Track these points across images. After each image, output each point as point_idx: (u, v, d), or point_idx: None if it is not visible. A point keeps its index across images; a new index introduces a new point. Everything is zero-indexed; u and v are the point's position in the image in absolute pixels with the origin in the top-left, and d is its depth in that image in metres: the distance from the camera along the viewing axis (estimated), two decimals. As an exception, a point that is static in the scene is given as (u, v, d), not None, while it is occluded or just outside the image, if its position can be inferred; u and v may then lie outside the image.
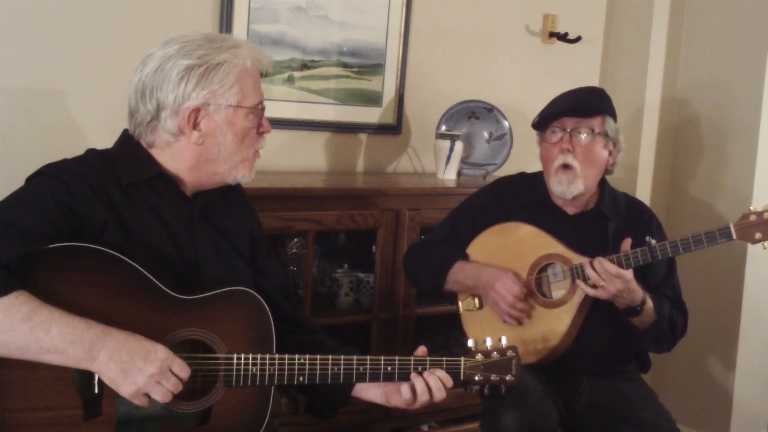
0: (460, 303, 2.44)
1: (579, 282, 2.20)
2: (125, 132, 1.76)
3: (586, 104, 2.32)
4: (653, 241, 2.17)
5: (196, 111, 1.67)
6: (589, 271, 2.16)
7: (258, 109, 1.74)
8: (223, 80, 1.67)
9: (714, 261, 3.37)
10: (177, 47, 1.67)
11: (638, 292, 2.17)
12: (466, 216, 2.49)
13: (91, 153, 1.74)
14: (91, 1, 2.54)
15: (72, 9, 2.50)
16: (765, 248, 2.13)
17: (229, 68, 1.68)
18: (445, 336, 3.08)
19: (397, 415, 2.88)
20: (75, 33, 2.52)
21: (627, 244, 2.18)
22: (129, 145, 1.73)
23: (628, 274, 2.14)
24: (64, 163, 1.67)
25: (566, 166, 2.28)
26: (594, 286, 2.17)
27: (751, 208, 2.13)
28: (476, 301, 2.40)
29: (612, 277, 2.13)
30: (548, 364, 2.28)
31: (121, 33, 2.57)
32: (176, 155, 1.71)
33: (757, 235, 2.10)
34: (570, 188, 2.28)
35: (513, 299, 2.25)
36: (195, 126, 1.68)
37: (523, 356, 2.21)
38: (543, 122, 2.34)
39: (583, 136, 2.28)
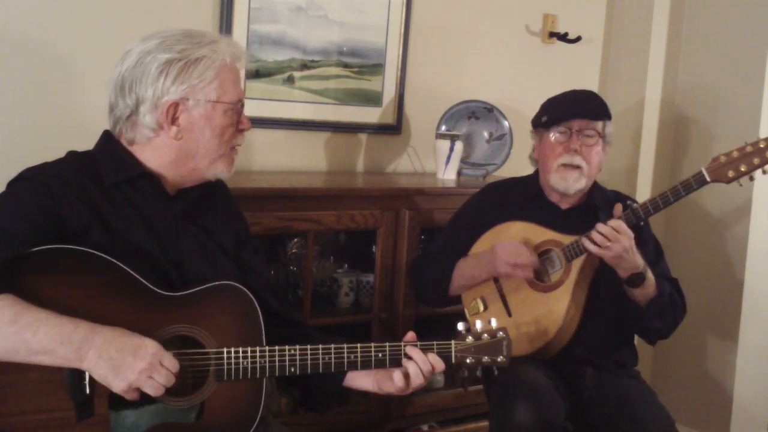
0: (465, 309, 2.47)
1: (584, 239, 2.21)
2: (105, 132, 1.76)
3: (595, 107, 2.39)
4: (635, 204, 2.25)
5: (175, 105, 1.67)
6: (594, 235, 2.19)
7: (237, 106, 1.74)
8: (202, 75, 1.67)
9: (714, 260, 3.37)
10: (156, 42, 1.67)
11: (639, 256, 2.21)
12: (465, 219, 2.55)
13: (72, 155, 1.74)
14: (90, 1, 2.54)
15: (71, 9, 2.51)
16: (741, 185, 2.19)
17: (209, 63, 1.68)
18: (445, 336, 3.07)
19: (398, 414, 2.88)
20: (74, 33, 2.52)
21: (618, 208, 2.23)
22: (110, 145, 1.73)
23: (629, 231, 2.18)
24: (45, 166, 1.67)
25: (574, 166, 2.34)
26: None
27: (721, 152, 2.18)
28: (480, 304, 2.42)
29: (616, 234, 2.16)
30: (555, 354, 2.31)
31: (120, 33, 2.57)
32: (156, 151, 1.71)
33: (731, 174, 2.15)
34: (574, 184, 2.35)
35: (514, 254, 2.28)
36: (173, 121, 1.68)
37: (532, 343, 2.28)
38: (553, 122, 2.37)
39: (590, 138, 2.35)
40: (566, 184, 2.35)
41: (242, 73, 1.85)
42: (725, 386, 3.34)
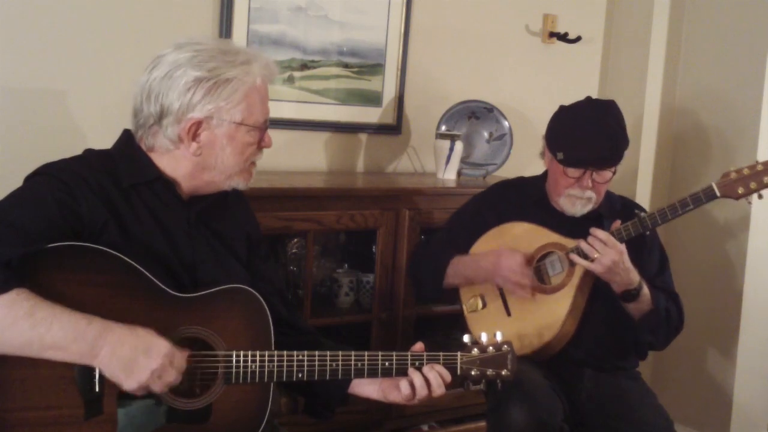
0: (464, 306, 2.47)
1: (573, 256, 2.23)
2: (126, 132, 1.76)
3: (615, 153, 2.31)
4: (642, 213, 2.25)
5: (198, 123, 1.66)
6: (583, 245, 2.21)
7: (262, 126, 1.73)
8: (230, 96, 1.66)
9: (714, 260, 3.37)
10: (189, 55, 1.65)
11: (634, 273, 2.21)
12: (464, 221, 2.54)
13: (90, 153, 1.73)
14: (91, 0, 2.54)
15: (72, 9, 2.51)
16: (750, 203, 2.21)
17: (238, 85, 1.66)
18: (445, 336, 3.08)
19: (397, 414, 2.88)
20: (75, 33, 2.52)
21: (617, 223, 2.25)
22: (129, 147, 1.73)
23: (620, 245, 2.18)
24: (63, 162, 1.66)
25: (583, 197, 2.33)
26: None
27: (731, 168, 2.20)
28: (479, 302, 2.42)
29: (605, 247, 2.17)
30: (552, 356, 2.31)
31: (121, 33, 2.58)
32: (174, 162, 1.71)
33: (740, 190, 2.17)
34: (581, 209, 2.35)
35: (519, 273, 2.28)
36: (194, 137, 1.67)
37: (530, 344, 2.28)
38: (569, 164, 2.30)
39: (605, 175, 2.32)
40: (574, 209, 2.35)
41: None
42: (725, 386, 3.34)
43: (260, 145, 1.75)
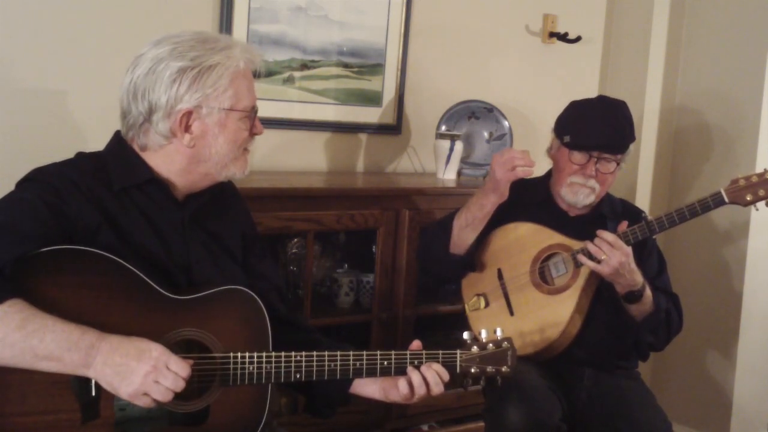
0: (466, 305, 2.47)
1: (581, 257, 2.24)
2: (117, 134, 1.75)
3: (621, 141, 2.35)
4: (649, 216, 2.27)
5: (188, 114, 1.66)
6: (590, 246, 2.22)
7: (251, 112, 1.73)
8: (216, 83, 1.65)
9: (714, 262, 3.37)
10: (169, 48, 1.65)
11: (638, 274, 2.22)
12: None
13: (81, 156, 1.73)
14: (91, 1, 2.54)
15: (72, 9, 2.51)
16: (757, 209, 2.24)
17: (222, 70, 1.66)
18: (446, 336, 3.08)
19: (397, 414, 2.88)
20: (75, 33, 2.52)
21: (623, 225, 2.26)
22: (120, 149, 1.72)
23: (627, 247, 2.19)
24: (53, 167, 1.66)
25: (585, 186, 2.34)
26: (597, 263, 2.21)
27: (739, 174, 2.22)
28: (481, 301, 2.42)
29: (612, 249, 2.17)
30: (554, 356, 2.31)
31: (120, 33, 2.57)
32: (168, 158, 1.70)
33: (748, 197, 2.20)
34: (584, 200, 2.36)
35: (509, 155, 2.22)
36: (187, 129, 1.67)
37: (533, 344, 2.28)
38: (575, 146, 2.34)
39: (608, 164, 2.34)
40: (576, 199, 2.36)
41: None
42: (725, 386, 3.34)
43: (252, 131, 1.75)
